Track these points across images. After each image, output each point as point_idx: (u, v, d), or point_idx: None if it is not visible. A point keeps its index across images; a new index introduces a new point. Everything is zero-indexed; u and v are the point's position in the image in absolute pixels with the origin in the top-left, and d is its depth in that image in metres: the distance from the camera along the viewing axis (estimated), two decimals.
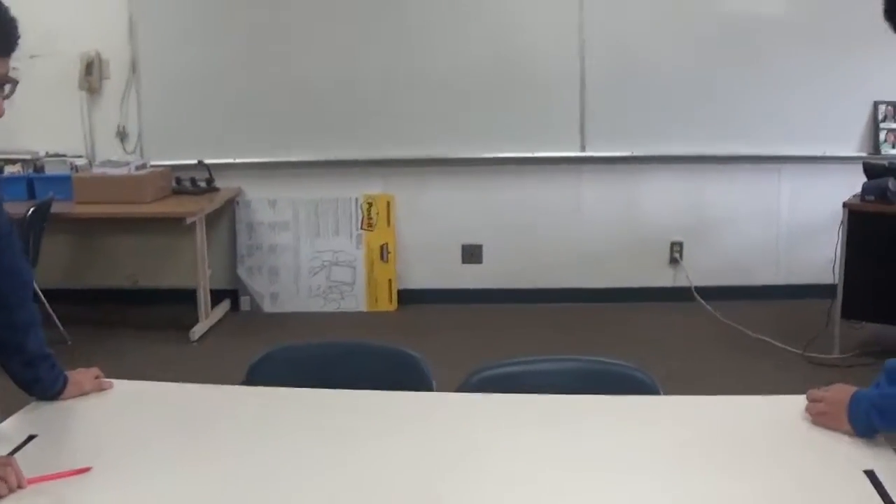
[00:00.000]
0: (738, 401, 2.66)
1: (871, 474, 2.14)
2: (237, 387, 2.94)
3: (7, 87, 2.28)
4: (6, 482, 2.19)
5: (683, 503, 2.09)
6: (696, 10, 7.44)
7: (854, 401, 2.36)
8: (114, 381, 2.87)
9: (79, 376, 2.81)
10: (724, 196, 7.83)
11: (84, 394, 2.77)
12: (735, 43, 7.42)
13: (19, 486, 2.20)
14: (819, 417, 2.44)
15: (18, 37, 2.26)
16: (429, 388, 2.94)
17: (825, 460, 2.26)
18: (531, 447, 2.39)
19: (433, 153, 7.77)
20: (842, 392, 2.43)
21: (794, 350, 6.58)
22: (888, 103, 7.16)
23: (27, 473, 2.21)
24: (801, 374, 6.16)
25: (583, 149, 7.67)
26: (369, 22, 7.64)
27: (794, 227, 7.81)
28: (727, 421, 2.52)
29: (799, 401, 2.54)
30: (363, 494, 2.16)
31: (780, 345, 6.71)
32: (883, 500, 2.03)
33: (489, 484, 2.19)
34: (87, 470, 2.28)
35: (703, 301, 7.60)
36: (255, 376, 3.05)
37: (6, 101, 2.29)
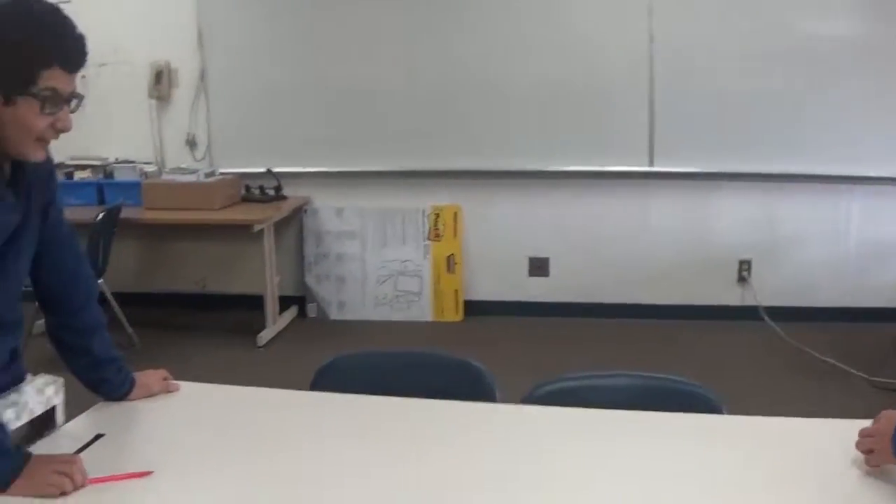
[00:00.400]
0: (800, 424, 2.62)
1: None
2: (302, 392, 2.94)
3: (74, 102, 2.31)
4: (71, 479, 2.24)
5: None
6: (768, 26, 7.35)
7: None
8: (181, 383, 2.89)
9: (147, 378, 2.84)
10: (794, 215, 7.72)
11: (152, 395, 2.80)
12: (807, 61, 7.31)
13: (82, 485, 2.25)
14: (869, 456, 2.29)
15: (87, 54, 2.30)
16: (492, 400, 2.94)
17: (888, 491, 2.20)
18: (592, 462, 2.38)
19: (501, 165, 7.76)
20: (888, 422, 2.30)
21: (861, 374, 6.46)
22: None
23: (92, 472, 2.25)
24: (866, 399, 6.06)
25: (651, 164, 7.62)
26: (438, 33, 7.66)
27: (864, 248, 7.67)
28: (788, 444, 2.48)
29: (861, 426, 2.46)
30: (421, 501, 2.16)
31: (846, 368, 6.59)
32: None
33: (548, 496, 2.18)
34: (148, 474, 2.31)
35: (770, 321, 7.50)
36: (321, 382, 3.05)
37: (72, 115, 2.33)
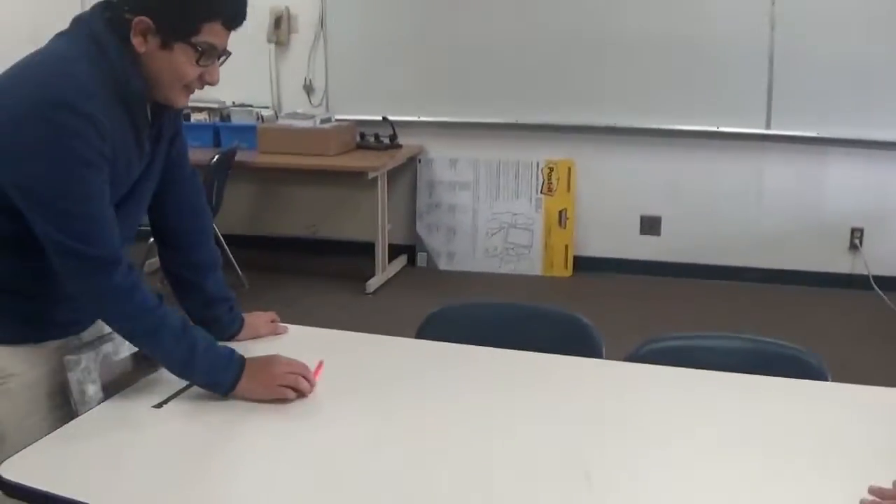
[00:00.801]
0: None
1: None
2: (409, 339, 2.96)
3: (223, 58, 2.38)
4: (308, 380, 2.43)
5: (845, 490, 2.04)
6: None
7: None
8: (288, 326, 2.92)
9: (255, 319, 2.88)
10: None
11: (259, 336, 2.84)
12: None
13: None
14: None
15: (246, 13, 2.34)
16: (599, 356, 2.93)
17: None
18: (695, 422, 2.37)
19: (616, 122, 7.70)
20: None
21: None
22: None
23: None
24: None
25: (768, 126, 7.51)
26: None
27: None
28: (892, 413, 2.46)
29: None
30: (524, 453, 2.16)
31: None
32: None
33: (650, 453, 2.18)
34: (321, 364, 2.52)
35: (880, 291, 7.42)
36: (429, 331, 3.07)
37: None
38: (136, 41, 2.22)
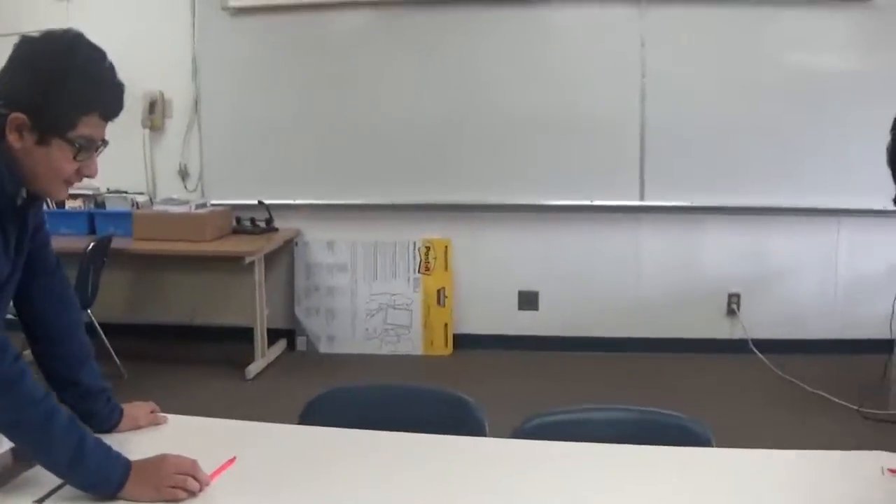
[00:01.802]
0: (790, 456, 2.63)
1: None
2: (292, 426, 2.93)
3: (101, 149, 2.34)
4: (196, 479, 2.33)
5: None
6: (759, 59, 7.41)
7: None
8: (169, 415, 2.88)
9: (134, 410, 2.83)
10: (783, 248, 7.77)
11: (139, 427, 2.79)
12: (798, 94, 7.39)
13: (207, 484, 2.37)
14: None
15: (124, 104, 2.33)
16: (482, 434, 2.93)
17: None
18: (584, 496, 2.38)
19: (492, 199, 7.77)
20: None
21: (850, 405, 6.51)
22: None
23: None
24: (855, 430, 6.10)
25: (642, 198, 7.65)
26: (429, 68, 7.69)
27: (852, 280, 7.74)
28: (778, 476, 2.50)
29: (851, 457, 2.49)
30: None
31: (835, 399, 6.65)
32: None
33: None
34: (233, 460, 2.47)
35: (759, 354, 7.55)
36: (311, 416, 3.05)
37: None
38: (11, 138, 2.20)
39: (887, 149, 2.31)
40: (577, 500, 2.35)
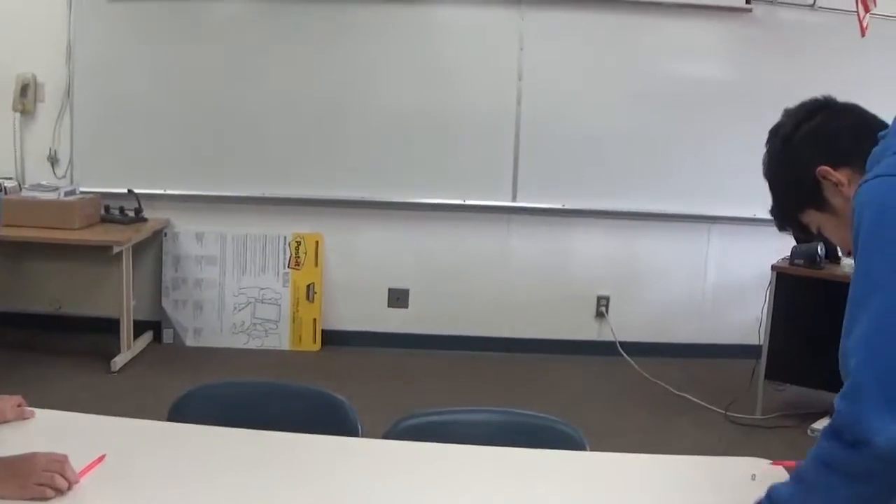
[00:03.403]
0: (661, 460, 2.67)
1: None
2: (161, 423, 2.91)
3: None
4: (64, 477, 2.28)
5: None
6: (634, 66, 7.54)
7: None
8: (36, 410, 2.83)
9: (0, 404, 2.78)
10: (653, 252, 7.90)
11: (6, 422, 2.74)
12: (674, 102, 7.52)
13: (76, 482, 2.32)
14: None
15: None
16: (354, 434, 2.94)
17: None
18: (458, 499, 2.39)
19: (365, 195, 7.77)
20: None
21: (717, 409, 6.62)
22: None
23: None
24: (722, 434, 6.19)
25: (514, 199, 7.70)
26: (306, 60, 7.65)
27: (721, 286, 7.89)
28: (648, 479, 2.54)
29: (717, 462, 2.53)
30: None
31: (702, 403, 6.77)
32: None
33: None
34: (103, 457, 2.44)
35: (627, 356, 7.66)
36: (180, 412, 3.02)
37: None
38: None
39: (763, 161, 2.36)
40: (453, 502, 2.36)
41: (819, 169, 2.18)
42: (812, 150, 2.22)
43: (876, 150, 2.07)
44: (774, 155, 2.34)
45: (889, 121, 2.16)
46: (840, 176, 2.16)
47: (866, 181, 1.99)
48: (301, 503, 2.34)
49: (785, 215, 2.35)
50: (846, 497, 1.93)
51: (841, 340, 1.95)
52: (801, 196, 2.26)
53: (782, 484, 2.13)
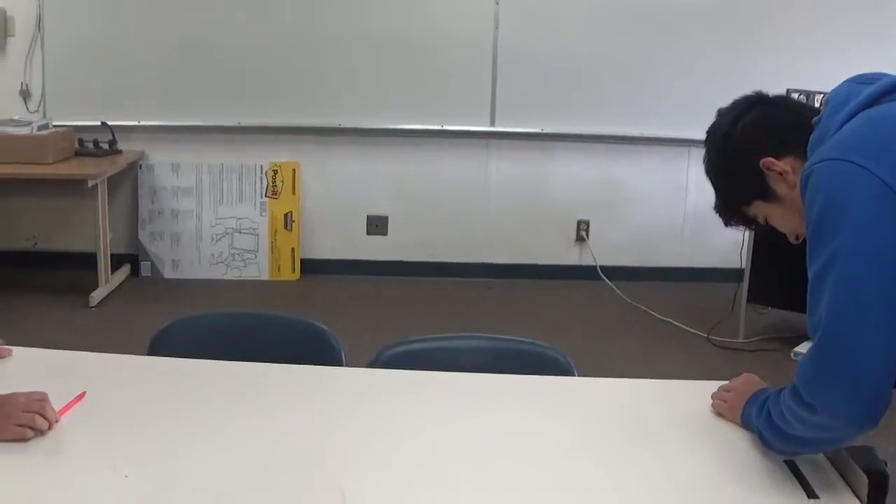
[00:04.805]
0: (650, 385, 2.67)
1: (791, 465, 2.14)
2: (140, 357, 2.88)
3: None
4: (44, 417, 2.25)
5: (596, 487, 2.08)
6: None
7: (753, 397, 2.35)
8: (13, 348, 2.79)
9: None
10: (633, 176, 7.87)
11: None
12: (650, 25, 7.46)
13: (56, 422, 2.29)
14: (718, 406, 2.47)
15: None
16: (339, 363, 2.91)
17: (743, 448, 2.27)
18: (446, 427, 2.37)
19: (342, 122, 7.70)
20: (746, 384, 2.45)
21: (699, 333, 6.64)
22: (801, 91, 7.15)
23: None
24: (705, 358, 6.21)
25: (493, 124, 7.66)
26: None
27: (702, 209, 7.73)
28: (639, 406, 2.53)
29: (706, 386, 2.54)
30: (276, 471, 2.12)
31: (684, 327, 6.78)
32: (805, 491, 2.03)
33: (401, 461, 2.17)
34: (82, 395, 2.41)
35: (608, 280, 7.65)
36: (160, 345, 3.00)
37: None
38: None
39: (703, 161, 2.41)
40: (437, 431, 2.35)
41: (763, 160, 2.23)
42: (754, 142, 2.27)
43: (814, 136, 2.15)
44: (716, 153, 2.37)
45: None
46: (784, 165, 2.22)
47: (815, 164, 2.04)
48: (287, 436, 2.31)
49: (731, 210, 2.40)
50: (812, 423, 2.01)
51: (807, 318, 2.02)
52: (748, 189, 2.31)
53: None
